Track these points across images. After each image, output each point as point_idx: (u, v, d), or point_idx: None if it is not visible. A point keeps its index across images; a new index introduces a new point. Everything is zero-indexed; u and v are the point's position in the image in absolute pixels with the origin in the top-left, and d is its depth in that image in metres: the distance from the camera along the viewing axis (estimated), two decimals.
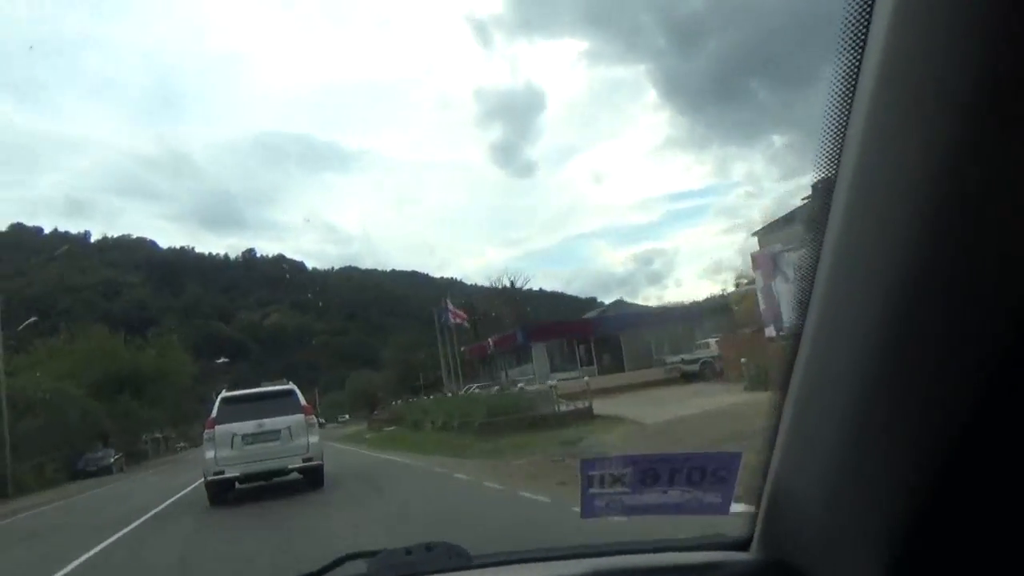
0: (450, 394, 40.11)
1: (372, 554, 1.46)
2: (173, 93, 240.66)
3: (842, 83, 0.81)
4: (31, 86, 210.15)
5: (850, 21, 0.78)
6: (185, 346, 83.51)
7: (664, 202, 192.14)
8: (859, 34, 0.77)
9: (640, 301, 60.31)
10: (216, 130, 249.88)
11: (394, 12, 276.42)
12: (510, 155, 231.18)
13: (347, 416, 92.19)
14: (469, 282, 67.97)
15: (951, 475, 0.78)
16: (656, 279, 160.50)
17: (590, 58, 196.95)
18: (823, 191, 0.89)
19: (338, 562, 1.49)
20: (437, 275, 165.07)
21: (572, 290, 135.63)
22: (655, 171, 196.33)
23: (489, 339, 49.51)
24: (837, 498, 0.95)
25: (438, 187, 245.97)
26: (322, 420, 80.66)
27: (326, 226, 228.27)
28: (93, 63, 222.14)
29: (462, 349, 51.08)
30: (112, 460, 41.46)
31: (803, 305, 0.95)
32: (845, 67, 0.80)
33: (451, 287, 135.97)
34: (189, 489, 17.82)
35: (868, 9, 0.76)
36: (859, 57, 0.78)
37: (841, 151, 0.84)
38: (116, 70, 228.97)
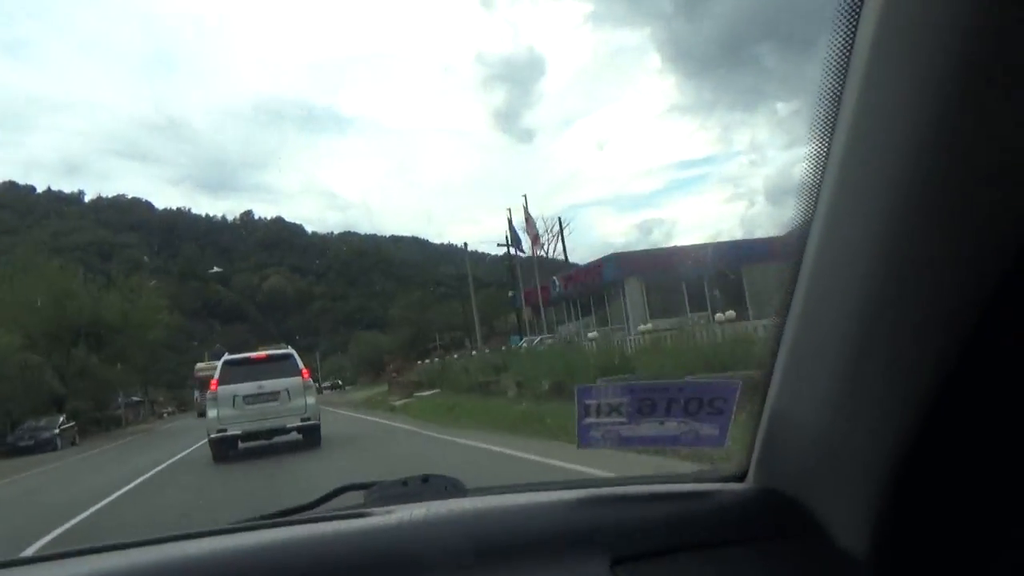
0: (474, 352, 35.18)
1: (368, 485, 1.45)
2: (171, 56, 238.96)
3: (837, 54, 0.81)
4: (26, 46, 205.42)
5: None
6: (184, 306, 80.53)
7: (666, 171, 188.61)
8: (855, 4, 0.77)
9: None
10: (214, 93, 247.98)
11: None
12: (511, 121, 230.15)
13: (344, 383, 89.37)
14: (470, 248, 65.51)
15: (948, 406, 0.79)
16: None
17: (594, 20, 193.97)
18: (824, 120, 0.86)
19: (335, 492, 1.49)
20: (437, 240, 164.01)
21: (573, 258, 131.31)
22: (658, 138, 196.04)
23: (554, 277, 39.90)
24: (833, 427, 0.95)
25: (438, 153, 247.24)
26: (328, 384, 78.42)
27: (324, 191, 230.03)
28: (91, 23, 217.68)
29: (510, 294, 44.09)
30: (57, 431, 33.00)
31: (804, 227, 0.93)
32: (840, 38, 0.80)
33: (451, 252, 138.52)
34: (128, 488, 12.19)
35: None
36: (854, 28, 0.77)
37: (835, 121, 0.83)
38: (114, 31, 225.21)
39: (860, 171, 0.80)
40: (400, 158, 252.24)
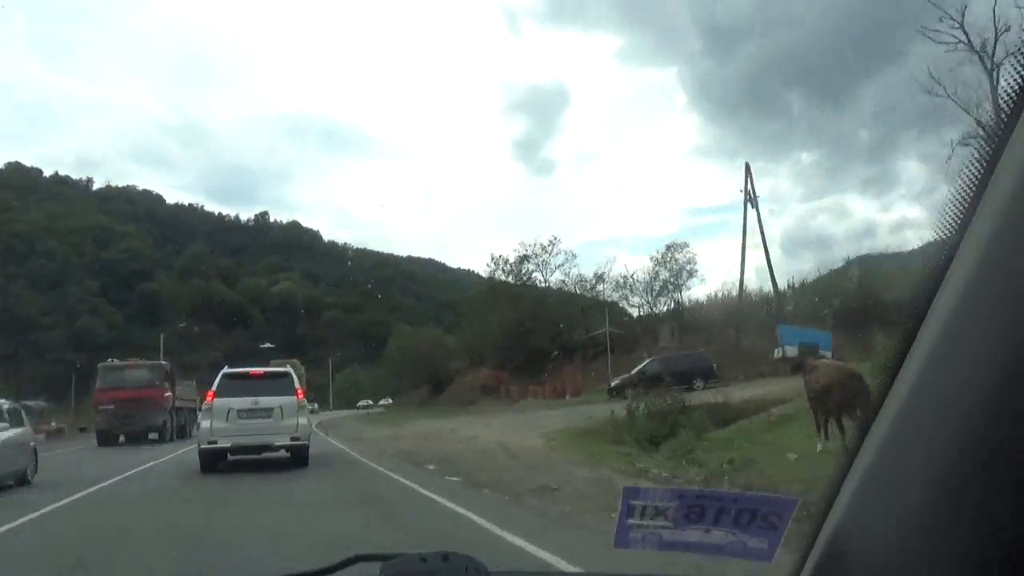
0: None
1: (386, 557, 1.43)
2: (201, 64, 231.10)
3: (977, 168, 0.74)
4: (57, 45, 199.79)
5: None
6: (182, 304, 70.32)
7: (685, 215, 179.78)
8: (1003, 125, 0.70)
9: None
10: (239, 104, 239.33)
11: None
12: (532, 151, 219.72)
13: (389, 400, 74.22)
14: (486, 274, 59.51)
15: None
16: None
17: (621, 56, 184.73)
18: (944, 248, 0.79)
19: (350, 561, 1.49)
20: (453, 264, 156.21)
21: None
22: (679, 180, 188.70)
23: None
24: (903, 570, 0.86)
25: (456, 178, 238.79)
26: (314, 406, 67.44)
27: (340, 208, 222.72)
28: (125, 26, 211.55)
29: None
30: None
31: (905, 343, 0.86)
32: (983, 154, 0.73)
33: (468, 277, 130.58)
34: None
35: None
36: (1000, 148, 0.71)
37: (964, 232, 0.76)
38: (146, 36, 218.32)
39: (994, 292, 0.70)
40: (418, 180, 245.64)
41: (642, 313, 51.81)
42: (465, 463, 14.32)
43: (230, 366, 16.03)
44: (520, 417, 27.40)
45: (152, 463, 18.26)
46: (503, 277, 56.02)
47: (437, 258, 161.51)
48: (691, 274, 50.61)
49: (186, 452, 20.69)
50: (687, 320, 46.61)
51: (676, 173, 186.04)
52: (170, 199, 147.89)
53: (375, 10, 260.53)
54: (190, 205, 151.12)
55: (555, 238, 55.89)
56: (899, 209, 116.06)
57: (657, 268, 50.75)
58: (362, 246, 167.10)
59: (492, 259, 56.35)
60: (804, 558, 1.07)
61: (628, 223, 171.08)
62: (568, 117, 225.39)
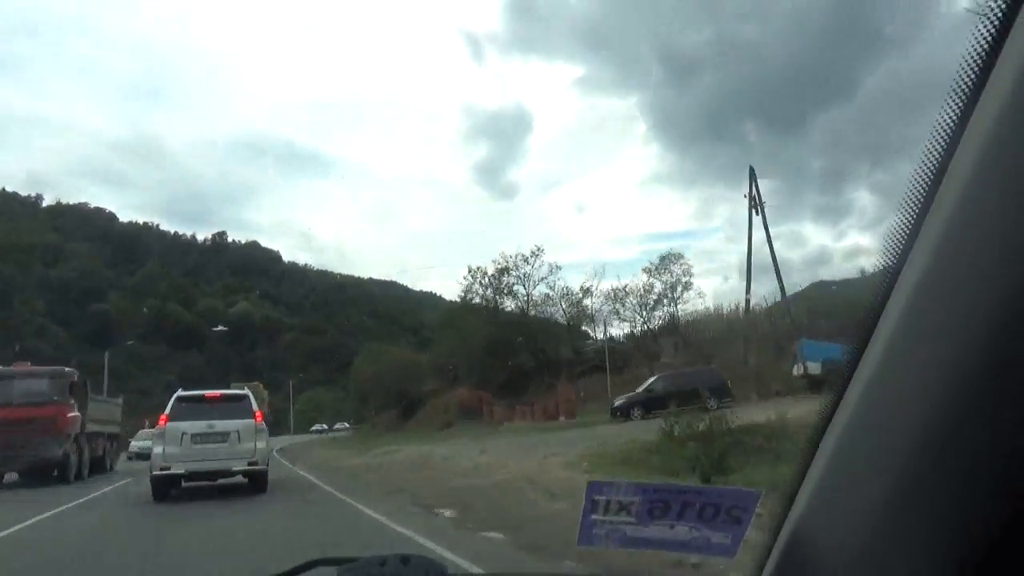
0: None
1: (343, 560, 1.40)
2: (158, 83, 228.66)
3: (933, 161, 0.77)
4: (10, 61, 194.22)
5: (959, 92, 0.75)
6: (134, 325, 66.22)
7: (644, 241, 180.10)
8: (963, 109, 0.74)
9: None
10: (196, 124, 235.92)
11: (389, 20, 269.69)
12: (494, 176, 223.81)
13: (346, 424, 72.62)
14: (448, 297, 56.26)
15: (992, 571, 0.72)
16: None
17: (583, 84, 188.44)
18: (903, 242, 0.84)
19: (307, 566, 1.48)
20: (416, 287, 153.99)
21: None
22: (638, 206, 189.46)
23: None
24: (864, 564, 0.88)
25: (417, 202, 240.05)
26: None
27: (300, 231, 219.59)
28: (81, 44, 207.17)
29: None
30: None
31: (864, 332, 0.89)
32: (941, 143, 0.77)
33: (429, 300, 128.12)
34: None
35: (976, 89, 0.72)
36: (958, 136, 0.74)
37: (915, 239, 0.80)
38: (103, 54, 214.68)
39: (937, 303, 0.75)
40: (378, 204, 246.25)
41: (634, 329, 48.76)
42: (492, 507, 10.72)
43: (184, 388, 15.13)
44: (516, 441, 24.19)
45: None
46: (480, 292, 52.61)
47: (399, 281, 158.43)
48: (687, 287, 47.69)
49: (94, 502, 14.74)
50: (687, 335, 44.05)
51: (636, 199, 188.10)
52: (124, 218, 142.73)
53: (336, 33, 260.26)
54: (145, 224, 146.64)
55: (538, 248, 51.19)
56: (852, 237, 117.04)
57: (652, 279, 47.67)
58: (323, 268, 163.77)
59: (469, 271, 52.83)
60: (767, 553, 1.07)
61: (588, 248, 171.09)
62: (531, 143, 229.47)
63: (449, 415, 46.53)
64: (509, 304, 51.85)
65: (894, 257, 0.83)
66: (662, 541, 1.11)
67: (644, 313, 47.79)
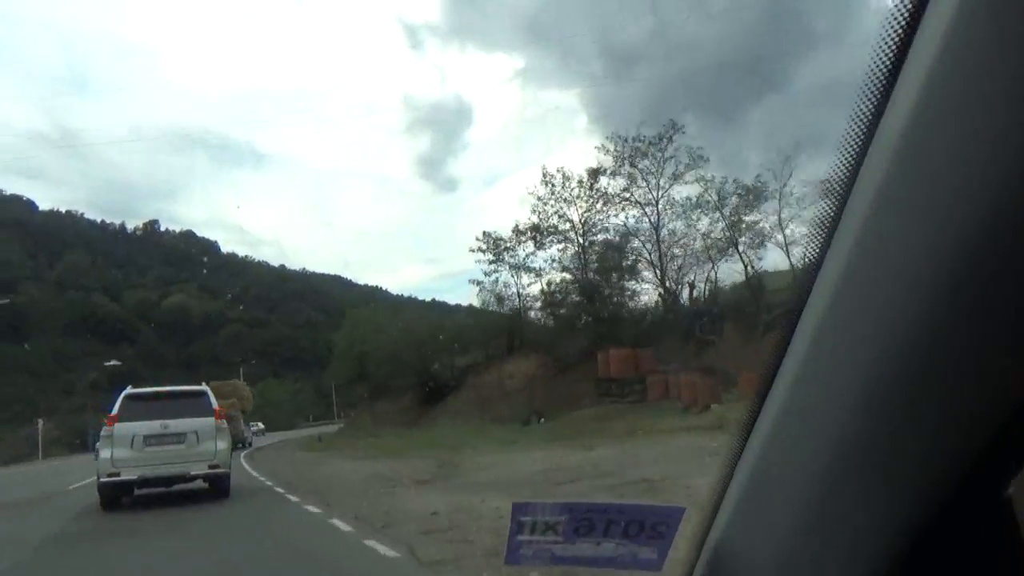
0: None
1: None
2: (82, 74, 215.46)
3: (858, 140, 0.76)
4: None
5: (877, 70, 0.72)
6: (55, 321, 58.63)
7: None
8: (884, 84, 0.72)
9: None
10: (122, 116, 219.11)
11: (325, 8, 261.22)
12: (435, 168, 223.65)
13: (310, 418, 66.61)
14: (394, 292, 50.76)
15: (917, 570, 0.73)
16: None
17: (524, 77, 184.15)
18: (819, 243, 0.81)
19: None
20: (360, 281, 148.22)
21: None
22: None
23: None
24: (786, 572, 0.88)
25: (357, 195, 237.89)
26: (258, 425, 56.10)
27: (234, 226, 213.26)
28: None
29: None
30: None
31: (782, 343, 0.87)
32: (862, 125, 0.75)
33: (376, 294, 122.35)
34: None
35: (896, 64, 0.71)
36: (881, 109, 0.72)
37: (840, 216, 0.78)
38: (24, 44, 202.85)
39: (863, 290, 0.73)
40: (317, 198, 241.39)
41: None
42: None
43: (134, 385, 13.73)
44: None
45: None
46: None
47: (342, 275, 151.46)
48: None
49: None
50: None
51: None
52: (44, 207, 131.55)
53: (271, 22, 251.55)
54: (67, 212, 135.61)
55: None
56: (790, 228, 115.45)
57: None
58: (264, 260, 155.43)
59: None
60: (692, 566, 1.09)
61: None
62: (472, 136, 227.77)
63: (536, 401, 30.91)
64: None
65: (815, 252, 0.80)
66: (590, 558, 1.11)
67: None
